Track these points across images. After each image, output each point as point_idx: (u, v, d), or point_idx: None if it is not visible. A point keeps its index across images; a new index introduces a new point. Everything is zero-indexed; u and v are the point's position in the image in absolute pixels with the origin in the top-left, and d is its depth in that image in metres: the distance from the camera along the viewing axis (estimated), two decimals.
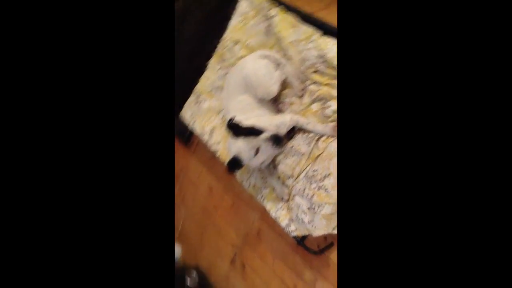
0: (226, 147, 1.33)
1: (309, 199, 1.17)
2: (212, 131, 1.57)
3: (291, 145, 1.25)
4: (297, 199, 1.22)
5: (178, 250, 1.82)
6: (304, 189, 1.20)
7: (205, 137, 1.59)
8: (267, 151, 1.14)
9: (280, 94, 1.35)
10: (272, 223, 1.40)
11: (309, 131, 1.22)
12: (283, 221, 1.26)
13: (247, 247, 1.57)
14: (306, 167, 1.21)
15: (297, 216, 1.21)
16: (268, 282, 1.46)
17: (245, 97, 1.29)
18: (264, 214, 1.43)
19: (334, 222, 1.12)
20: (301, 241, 1.25)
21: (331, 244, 1.23)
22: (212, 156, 1.62)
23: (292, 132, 1.26)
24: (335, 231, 1.12)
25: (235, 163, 1.15)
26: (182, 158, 1.94)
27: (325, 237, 1.21)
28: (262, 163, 1.18)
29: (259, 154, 1.12)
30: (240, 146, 1.12)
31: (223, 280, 1.62)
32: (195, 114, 1.69)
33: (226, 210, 1.68)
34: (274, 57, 1.32)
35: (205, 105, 1.66)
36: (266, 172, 1.31)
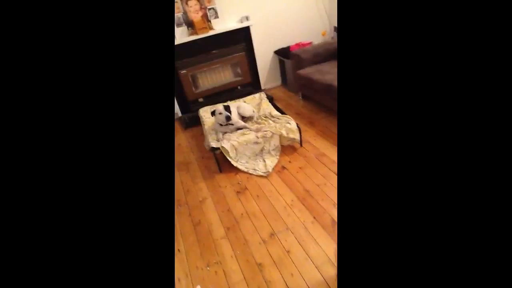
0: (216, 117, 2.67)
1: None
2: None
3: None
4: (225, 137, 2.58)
5: None
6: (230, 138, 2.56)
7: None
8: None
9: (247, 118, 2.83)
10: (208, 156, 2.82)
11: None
12: (212, 142, 2.57)
13: None
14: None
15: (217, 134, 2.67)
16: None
17: (234, 109, 2.73)
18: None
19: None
20: (212, 150, 2.50)
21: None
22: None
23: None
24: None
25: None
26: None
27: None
28: (221, 123, 2.63)
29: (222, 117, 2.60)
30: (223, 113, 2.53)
31: None
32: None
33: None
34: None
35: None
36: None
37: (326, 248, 1.65)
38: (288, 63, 3.51)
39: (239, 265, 1.68)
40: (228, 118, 2.52)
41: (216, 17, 3.26)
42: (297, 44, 3.62)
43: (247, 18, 3.32)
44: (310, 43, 3.65)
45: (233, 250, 1.78)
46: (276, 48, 3.76)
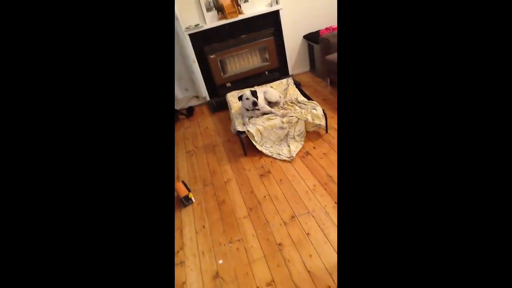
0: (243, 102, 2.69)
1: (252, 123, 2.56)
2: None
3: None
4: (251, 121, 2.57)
5: None
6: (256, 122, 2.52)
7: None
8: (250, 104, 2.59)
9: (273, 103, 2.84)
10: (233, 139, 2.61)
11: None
12: (239, 126, 2.57)
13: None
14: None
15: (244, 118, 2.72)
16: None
17: (261, 95, 2.78)
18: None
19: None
20: (238, 133, 2.62)
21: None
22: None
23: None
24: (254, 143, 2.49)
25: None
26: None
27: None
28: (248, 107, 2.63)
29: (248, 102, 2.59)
30: (250, 99, 2.57)
31: None
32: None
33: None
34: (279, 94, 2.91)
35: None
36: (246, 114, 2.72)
37: None
38: (317, 48, 3.44)
39: (259, 243, 1.76)
40: (255, 104, 2.57)
41: (246, 1, 3.26)
42: (327, 28, 3.52)
43: (276, 2, 3.28)
44: None
45: (254, 229, 1.86)
46: (306, 33, 3.69)
